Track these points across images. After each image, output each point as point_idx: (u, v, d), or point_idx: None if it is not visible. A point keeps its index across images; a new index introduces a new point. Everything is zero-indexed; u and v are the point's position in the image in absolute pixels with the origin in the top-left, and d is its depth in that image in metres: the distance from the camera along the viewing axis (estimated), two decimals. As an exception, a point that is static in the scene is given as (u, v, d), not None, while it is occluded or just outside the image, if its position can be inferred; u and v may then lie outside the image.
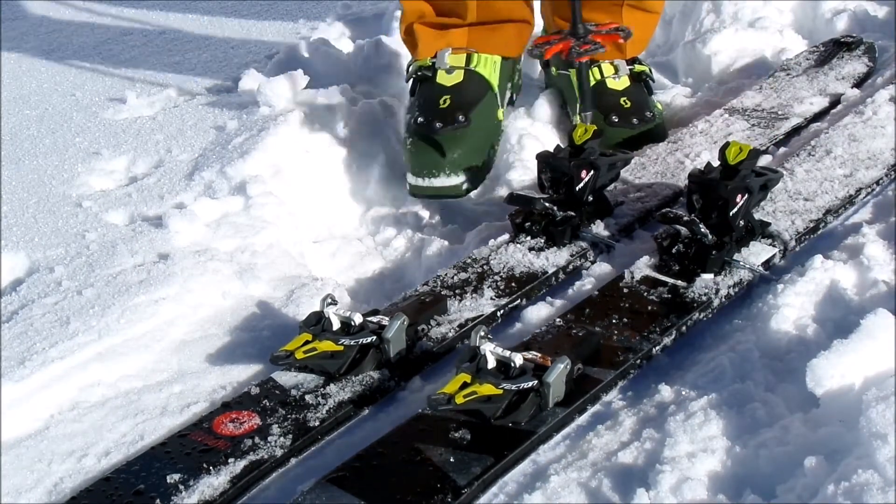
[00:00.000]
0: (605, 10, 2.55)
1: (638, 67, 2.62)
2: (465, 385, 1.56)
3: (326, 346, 1.73)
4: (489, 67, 2.30)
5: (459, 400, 1.54)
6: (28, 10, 4.26)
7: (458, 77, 2.28)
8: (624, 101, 2.56)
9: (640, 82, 2.62)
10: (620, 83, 2.59)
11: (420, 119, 2.22)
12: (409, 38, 2.35)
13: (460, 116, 2.20)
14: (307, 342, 1.73)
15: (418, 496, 1.47)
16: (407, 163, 2.23)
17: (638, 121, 2.52)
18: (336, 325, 1.76)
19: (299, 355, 1.72)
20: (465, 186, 2.30)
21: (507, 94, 2.48)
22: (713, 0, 3.21)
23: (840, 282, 1.81)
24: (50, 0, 4.34)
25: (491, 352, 1.60)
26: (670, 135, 2.52)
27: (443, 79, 2.27)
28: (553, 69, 2.74)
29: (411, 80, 2.32)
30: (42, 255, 2.21)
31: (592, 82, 2.58)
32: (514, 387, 1.57)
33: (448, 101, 2.23)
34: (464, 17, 2.29)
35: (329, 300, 1.78)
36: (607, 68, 2.59)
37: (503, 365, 1.61)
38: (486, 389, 1.56)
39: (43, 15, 4.19)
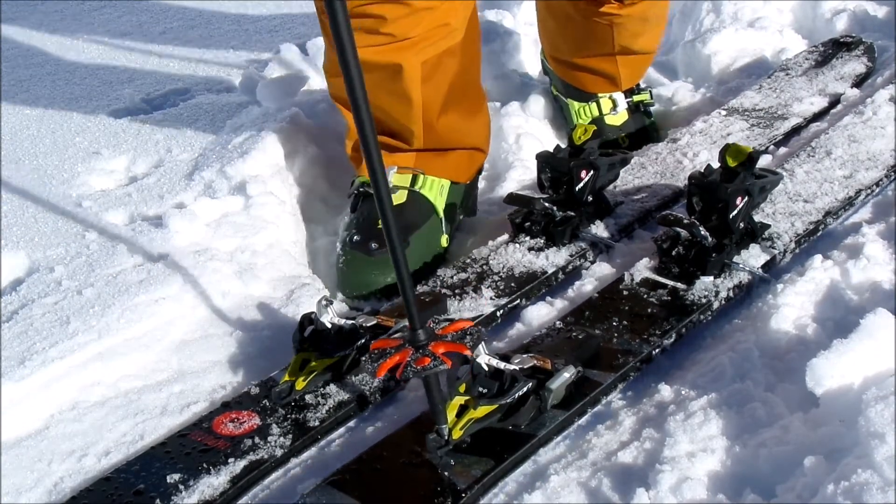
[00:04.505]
0: (599, 59, 2.57)
1: (637, 98, 2.63)
2: (461, 409, 1.55)
3: (324, 364, 1.72)
4: (435, 190, 2.16)
5: (457, 434, 1.52)
6: (28, 9, 4.26)
7: (400, 197, 2.12)
8: (622, 138, 2.59)
9: (640, 112, 2.64)
10: (619, 118, 2.61)
11: (356, 237, 2.07)
12: (355, 155, 2.23)
13: None
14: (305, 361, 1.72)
15: (418, 499, 1.47)
16: (337, 281, 2.08)
17: None
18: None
19: (300, 385, 1.70)
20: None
21: (458, 219, 2.29)
22: (713, 0, 3.21)
23: (840, 282, 1.81)
24: (51, 0, 4.34)
25: (486, 364, 1.59)
26: (670, 134, 2.52)
27: None
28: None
29: (352, 196, 2.17)
30: (42, 255, 2.21)
31: (589, 118, 2.61)
32: (510, 399, 1.56)
33: None
34: (410, 143, 2.17)
35: (325, 301, 1.78)
36: (605, 103, 2.61)
37: (497, 371, 1.60)
38: (483, 411, 1.55)
39: (43, 15, 4.19)
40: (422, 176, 2.15)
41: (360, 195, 2.15)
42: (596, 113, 2.61)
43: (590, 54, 2.58)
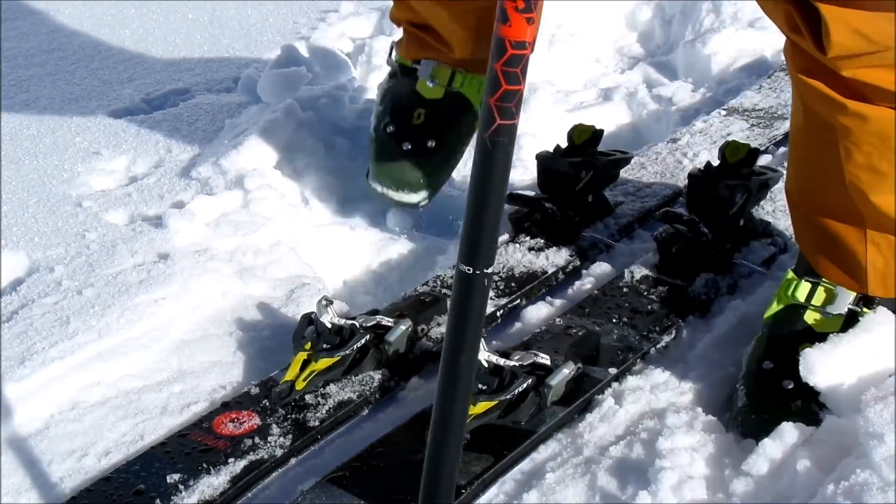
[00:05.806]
0: (841, 220, 1.56)
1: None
2: None
3: (324, 363, 1.72)
4: (473, 87, 2.12)
5: None
6: (28, 9, 4.26)
7: (437, 93, 2.10)
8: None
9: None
10: (828, 323, 1.62)
11: (391, 128, 2.08)
12: (399, 28, 2.15)
13: (431, 143, 2.06)
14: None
15: (418, 495, 1.47)
16: (370, 164, 2.10)
17: None
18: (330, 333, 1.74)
19: (300, 385, 1.69)
20: (422, 204, 2.19)
21: None
22: (713, 0, 3.21)
23: (840, 281, 1.81)
24: (50, 0, 4.34)
25: (485, 361, 1.59)
26: (670, 134, 2.52)
27: (423, 89, 2.09)
28: None
29: (390, 67, 2.13)
30: (42, 255, 2.21)
31: (785, 298, 1.67)
32: (509, 396, 1.56)
33: (422, 118, 2.08)
34: (451, 48, 2.09)
35: (325, 301, 1.78)
36: (819, 293, 1.64)
37: (497, 367, 1.60)
38: (482, 407, 1.55)
39: (43, 14, 4.18)
40: (460, 75, 2.11)
41: (396, 70, 2.12)
42: (799, 296, 1.63)
43: (830, 203, 1.55)
